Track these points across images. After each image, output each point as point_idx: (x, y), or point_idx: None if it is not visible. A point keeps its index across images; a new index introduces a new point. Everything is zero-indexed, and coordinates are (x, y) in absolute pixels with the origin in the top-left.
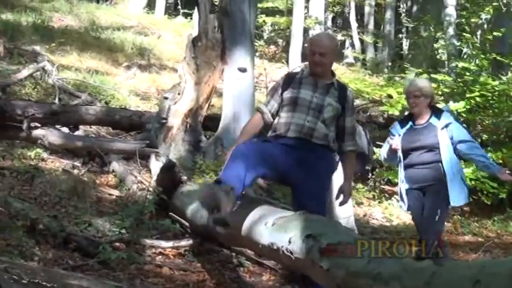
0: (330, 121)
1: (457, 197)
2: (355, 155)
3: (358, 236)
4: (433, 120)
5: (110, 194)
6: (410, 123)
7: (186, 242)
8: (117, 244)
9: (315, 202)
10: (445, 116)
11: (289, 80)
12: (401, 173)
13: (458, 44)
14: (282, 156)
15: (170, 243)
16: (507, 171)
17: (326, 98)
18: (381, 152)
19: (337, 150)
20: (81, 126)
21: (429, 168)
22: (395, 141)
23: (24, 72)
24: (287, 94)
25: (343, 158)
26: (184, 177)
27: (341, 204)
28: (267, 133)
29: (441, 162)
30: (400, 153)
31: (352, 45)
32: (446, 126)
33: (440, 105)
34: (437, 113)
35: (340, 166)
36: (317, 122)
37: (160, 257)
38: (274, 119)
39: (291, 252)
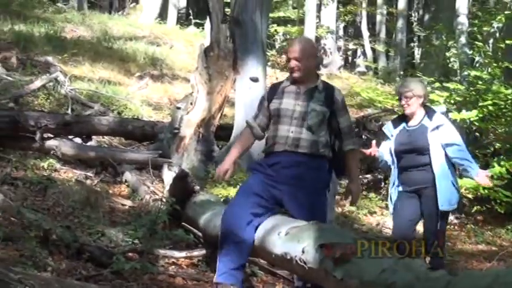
0: (317, 126)
1: (445, 202)
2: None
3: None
4: (426, 121)
5: (123, 204)
6: (403, 124)
7: (199, 252)
8: (130, 254)
9: (308, 213)
10: (437, 117)
11: (273, 92)
12: (394, 176)
13: (471, 52)
14: (274, 184)
15: (183, 253)
16: (487, 175)
17: (310, 104)
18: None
19: (338, 152)
20: (93, 137)
21: (422, 170)
22: (373, 149)
23: (37, 83)
24: (272, 106)
25: (345, 160)
26: (197, 187)
27: (351, 204)
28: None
29: (431, 165)
30: (393, 156)
31: (364, 54)
32: (437, 127)
33: (439, 107)
34: (430, 113)
35: None
36: (302, 130)
37: (173, 267)
38: (264, 132)
39: (305, 262)
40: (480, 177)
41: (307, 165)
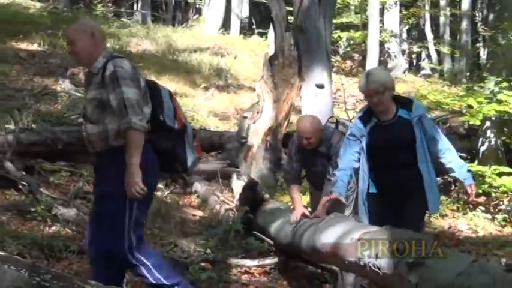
0: (98, 114)
1: (435, 204)
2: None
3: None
4: (402, 112)
5: (194, 215)
6: (374, 120)
7: (271, 260)
8: (203, 264)
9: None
10: (416, 106)
11: None
12: (362, 179)
13: None
14: None
15: (255, 262)
16: (473, 190)
17: (88, 92)
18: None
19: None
20: None
21: (405, 169)
22: (333, 195)
23: None
24: None
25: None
26: (267, 196)
27: None
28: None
29: (417, 162)
30: (364, 157)
31: (429, 56)
32: (419, 119)
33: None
34: (404, 104)
35: None
36: (86, 124)
37: (246, 275)
38: None
39: (378, 268)
40: (472, 187)
41: (103, 162)
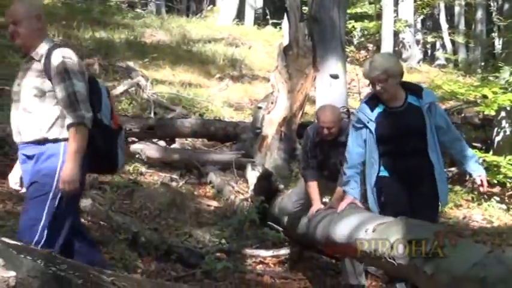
0: (35, 103)
1: (446, 195)
2: None
3: (460, 239)
4: (412, 99)
5: (208, 205)
6: (381, 106)
7: (285, 251)
8: (218, 254)
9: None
10: (426, 94)
11: None
12: (371, 166)
13: None
14: None
15: (270, 252)
16: (484, 180)
17: (25, 79)
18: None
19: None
20: (177, 139)
21: (416, 157)
22: (345, 201)
23: (120, 88)
24: None
25: None
26: (281, 186)
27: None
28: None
29: (427, 150)
30: (374, 144)
31: (443, 46)
32: (429, 106)
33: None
34: (413, 91)
35: None
36: (21, 114)
37: (260, 265)
38: None
39: (393, 259)
40: (481, 177)
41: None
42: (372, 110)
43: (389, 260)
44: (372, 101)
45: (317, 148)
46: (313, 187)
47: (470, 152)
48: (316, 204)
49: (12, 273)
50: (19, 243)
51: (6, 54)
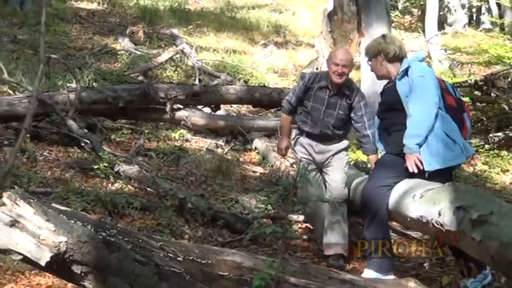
0: None
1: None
2: None
3: (509, 205)
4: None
5: (254, 171)
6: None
7: None
8: (264, 220)
9: None
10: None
11: None
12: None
13: None
14: None
15: None
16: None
17: None
18: None
19: None
20: (222, 106)
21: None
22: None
23: (164, 56)
24: None
25: None
26: None
27: None
28: None
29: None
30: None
31: (489, 10)
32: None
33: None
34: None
35: None
36: None
37: (306, 231)
38: None
39: (441, 225)
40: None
41: None
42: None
43: (437, 226)
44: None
45: (312, 94)
46: (287, 120)
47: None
48: (285, 140)
49: (63, 239)
50: (69, 210)
51: (51, 23)
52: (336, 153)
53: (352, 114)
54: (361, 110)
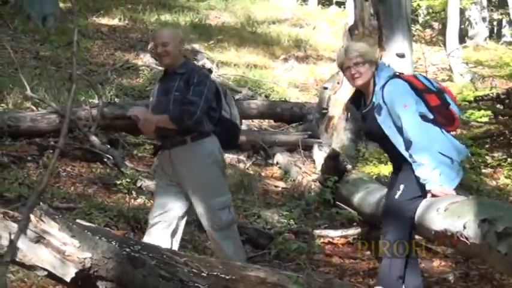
0: None
1: None
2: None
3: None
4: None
5: (276, 186)
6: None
7: (354, 231)
8: (286, 235)
9: None
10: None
11: None
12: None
13: None
14: None
15: (338, 232)
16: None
17: None
18: None
19: None
20: (244, 121)
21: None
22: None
23: None
24: None
25: None
26: (349, 166)
27: None
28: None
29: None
30: None
31: (510, 23)
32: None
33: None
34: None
35: None
36: None
37: (329, 246)
38: None
39: (466, 238)
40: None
41: None
42: (358, 108)
43: (461, 239)
44: (353, 98)
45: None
46: None
47: None
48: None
49: (88, 255)
50: (93, 225)
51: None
52: None
53: None
54: None
